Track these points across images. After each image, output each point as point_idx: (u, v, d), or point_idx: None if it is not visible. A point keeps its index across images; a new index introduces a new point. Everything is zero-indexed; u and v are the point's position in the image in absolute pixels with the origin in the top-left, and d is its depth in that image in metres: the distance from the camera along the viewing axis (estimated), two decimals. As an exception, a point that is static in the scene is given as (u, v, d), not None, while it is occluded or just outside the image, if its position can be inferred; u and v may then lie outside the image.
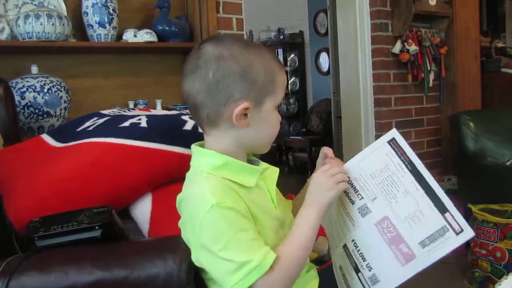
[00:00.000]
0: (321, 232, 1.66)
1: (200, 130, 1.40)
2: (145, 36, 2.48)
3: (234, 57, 0.95)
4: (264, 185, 1.06)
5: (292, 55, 7.06)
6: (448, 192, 3.53)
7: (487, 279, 2.59)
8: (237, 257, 0.89)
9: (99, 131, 1.40)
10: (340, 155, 5.02)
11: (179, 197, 1.01)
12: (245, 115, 0.97)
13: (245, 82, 0.95)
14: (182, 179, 1.06)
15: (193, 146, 1.05)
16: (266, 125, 1.02)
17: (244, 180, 0.99)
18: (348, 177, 1.04)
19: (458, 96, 3.73)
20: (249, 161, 1.09)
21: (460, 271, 2.91)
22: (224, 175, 0.97)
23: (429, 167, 0.98)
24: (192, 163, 1.05)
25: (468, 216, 2.88)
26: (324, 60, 6.62)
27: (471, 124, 3.24)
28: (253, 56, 0.97)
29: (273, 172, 1.10)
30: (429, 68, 3.60)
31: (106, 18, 2.36)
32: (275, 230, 1.02)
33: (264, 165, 1.09)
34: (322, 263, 1.34)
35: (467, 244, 2.94)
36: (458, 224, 0.92)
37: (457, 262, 3.04)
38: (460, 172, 3.37)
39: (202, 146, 1.05)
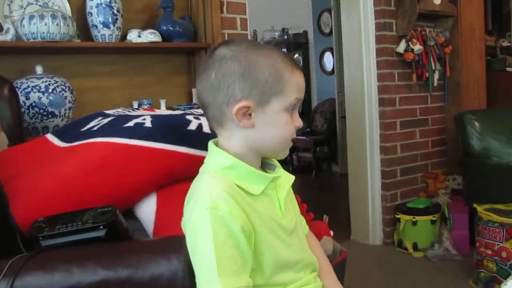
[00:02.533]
0: (325, 231, 1.66)
1: (204, 129, 1.41)
2: (149, 36, 2.48)
3: (236, 57, 0.95)
4: (274, 193, 1.03)
5: (296, 55, 7.06)
6: (453, 192, 3.53)
7: (493, 279, 2.58)
8: (205, 270, 0.88)
9: (103, 131, 1.40)
10: (344, 155, 5.00)
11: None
12: (250, 115, 0.96)
13: (246, 81, 0.94)
14: (186, 179, 1.06)
15: (210, 142, 1.04)
16: (273, 127, 0.98)
17: (249, 187, 0.97)
18: None
19: (463, 96, 3.72)
20: (265, 165, 1.07)
21: (465, 271, 2.90)
22: (230, 177, 0.96)
23: (434, 167, 0.99)
24: (205, 159, 1.04)
25: (473, 216, 2.87)
26: (328, 60, 6.62)
27: (476, 123, 3.23)
28: (258, 56, 0.96)
29: (287, 180, 1.07)
30: (433, 68, 3.59)
31: (110, 19, 2.37)
32: (282, 239, 1.00)
33: (278, 172, 1.06)
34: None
35: (472, 244, 2.94)
36: None
37: (462, 262, 3.04)
38: (465, 172, 3.36)
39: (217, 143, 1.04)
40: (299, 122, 1.01)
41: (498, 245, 2.55)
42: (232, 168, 0.97)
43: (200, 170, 1.04)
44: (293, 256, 1.02)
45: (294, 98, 0.98)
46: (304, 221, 1.21)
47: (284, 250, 1.00)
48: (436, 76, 3.66)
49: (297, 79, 0.99)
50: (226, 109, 0.96)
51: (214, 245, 0.87)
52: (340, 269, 1.57)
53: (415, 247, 3.30)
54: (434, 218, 3.29)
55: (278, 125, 0.98)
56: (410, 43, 3.42)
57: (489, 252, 2.60)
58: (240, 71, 0.94)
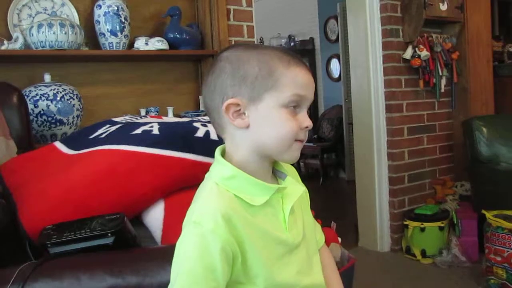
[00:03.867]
0: (333, 238, 1.66)
1: (212, 137, 1.41)
2: (157, 44, 2.50)
3: (228, 57, 0.93)
4: (280, 203, 0.96)
5: (303, 62, 7.06)
6: (461, 198, 3.49)
7: (503, 286, 2.56)
8: (172, 280, 0.85)
9: (111, 139, 1.41)
10: (352, 162, 4.99)
11: None
12: (244, 114, 0.92)
13: (235, 78, 0.91)
14: (194, 186, 1.05)
15: (217, 149, 0.99)
16: (270, 125, 0.91)
17: (250, 198, 0.91)
18: None
19: (470, 101, 3.70)
20: (276, 172, 1.02)
21: (474, 278, 2.88)
22: (230, 188, 0.91)
23: (441, 173, 0.97)
24: (211, 166, 0.99)
25: (482, 222, 2.85)
26: (335, 67, 6.62)
27: (484, 129, 3.21)
28: (251, 54, 0.93)
29: (295, 190, 0.99)
30: (440, 74, 3.58)
31: (117, 27, 2.38)
32: (279, 255, 0.93)
33: (287, 181, 0.99)
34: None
35: (481, 251, 2.91)
36: None
37: (471, 269, 3.01)
38: (473, 178, 3.34)
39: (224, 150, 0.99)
40: (307, 122, 0.93)
41: (507, 251, 2.53)
42: (232, 178, 0.92)
43: (205, 176, 1.00)
44: (290, 278, 0.94)
45: (292, 94, 0.91)
46: (319, 232, 1.14)
47: (280, 271, 0.92)
48: (443, 82, 3.65)
49: (294, 73, 0.92)
50: (221, 110, 0.92)
51: (184, 260, 0.85)
52: (348, 276, 1.57)
53: (423, 253, 3.28)
54: (442, 225, 3.27)
55: (274, 123, 0.91)
56: (417, 49, 3.42)
57: (498, 258, 2.57)
58: (231, 69, 0.92)
